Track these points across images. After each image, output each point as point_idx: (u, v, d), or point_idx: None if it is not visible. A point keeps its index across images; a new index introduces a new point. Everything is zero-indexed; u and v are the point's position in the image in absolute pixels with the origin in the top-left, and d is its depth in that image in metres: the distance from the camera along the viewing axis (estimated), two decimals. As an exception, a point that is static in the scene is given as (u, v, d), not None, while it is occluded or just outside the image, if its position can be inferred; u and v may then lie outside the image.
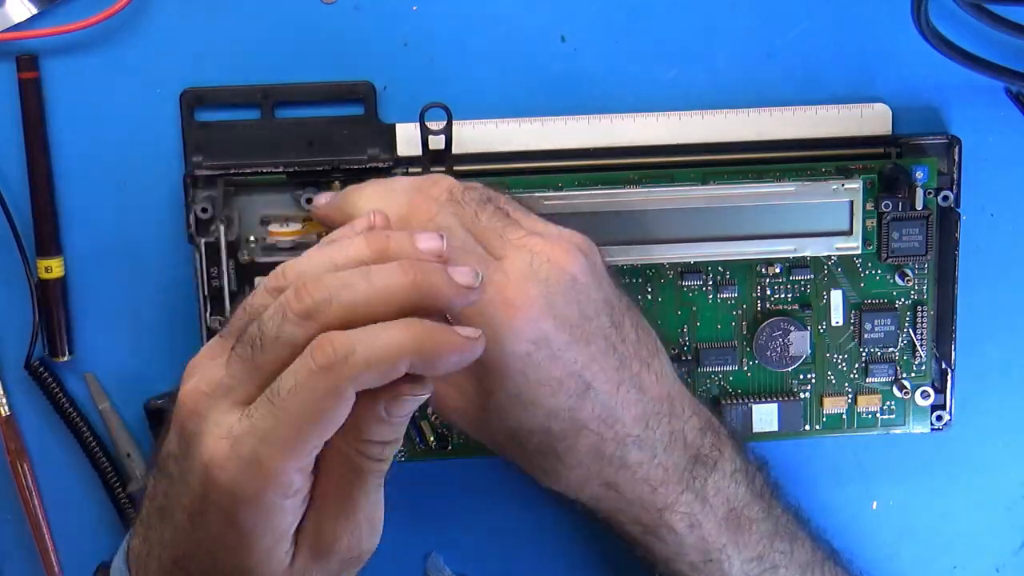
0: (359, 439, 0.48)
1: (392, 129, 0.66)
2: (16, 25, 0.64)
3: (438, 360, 0.47)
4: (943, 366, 0.68)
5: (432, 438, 0.66)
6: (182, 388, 0.49)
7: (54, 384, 0.67)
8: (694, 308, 0.66)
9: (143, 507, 0.53)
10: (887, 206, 0.65)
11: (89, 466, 0.67)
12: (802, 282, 0.67)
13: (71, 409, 0.67)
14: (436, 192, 0.56)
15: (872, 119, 0.68)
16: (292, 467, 0.47)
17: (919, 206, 0.65)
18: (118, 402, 0.67)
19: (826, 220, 0.64)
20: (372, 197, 0.57)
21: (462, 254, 0.54)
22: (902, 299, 0.67)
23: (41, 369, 0.66)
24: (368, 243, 0.49)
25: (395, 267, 0.47)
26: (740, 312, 0.67)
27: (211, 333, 0.64)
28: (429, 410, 0.66)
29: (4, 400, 0.67)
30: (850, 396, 0.68)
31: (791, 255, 0.65)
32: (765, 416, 0.66)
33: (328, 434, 0.47)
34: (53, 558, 0.68)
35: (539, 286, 0.54)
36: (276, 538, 0.49)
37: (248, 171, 0.64)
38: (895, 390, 0.68)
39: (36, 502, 0.67)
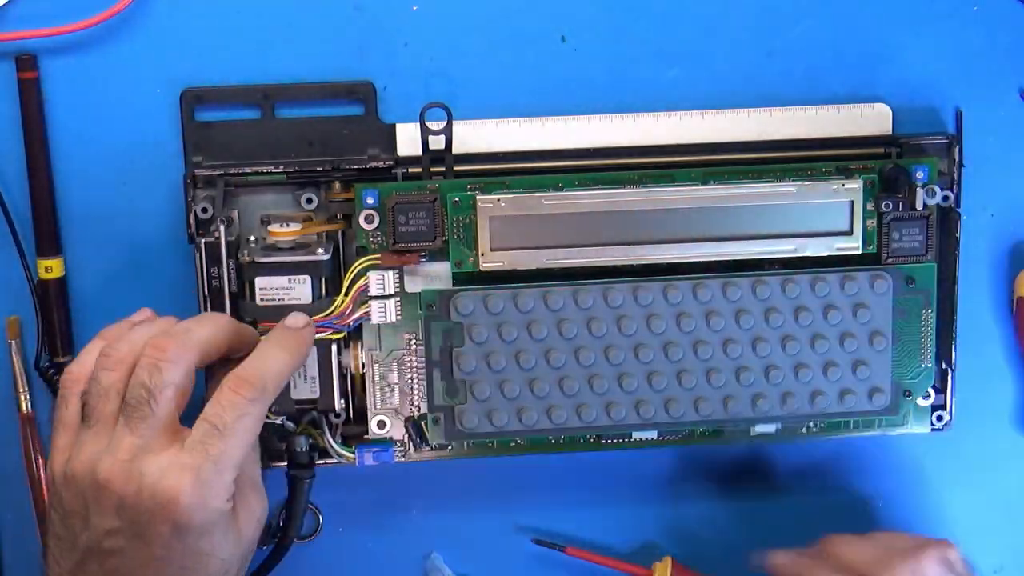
0: None
1: (392, 129, 0.66)
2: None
3: None
4: (943, 366, 0.68)
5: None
6: (75, 472, 0.56)
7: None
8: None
9: None
10: (887, 206, 0.65)
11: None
12: (802, 282, 0.67)
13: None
14: None
15: (872, 119, 0.68)
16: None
17: (919, 206, 0.65)
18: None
19: (826, 220, 0.64)
20: None
21: None
22: (902, 299, 0.67)
23: (51, 371, 0.66)
24: None
25: None
26: (740, 312, 0.67)
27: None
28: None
29: (26, 397, 0.67)
30: (850, 396, 0.68)
31: (791, 255, 0.65)
32: (765, 416, 0.66)
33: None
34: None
35: None
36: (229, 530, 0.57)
37: (248, 171, 0.64)
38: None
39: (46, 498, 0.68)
